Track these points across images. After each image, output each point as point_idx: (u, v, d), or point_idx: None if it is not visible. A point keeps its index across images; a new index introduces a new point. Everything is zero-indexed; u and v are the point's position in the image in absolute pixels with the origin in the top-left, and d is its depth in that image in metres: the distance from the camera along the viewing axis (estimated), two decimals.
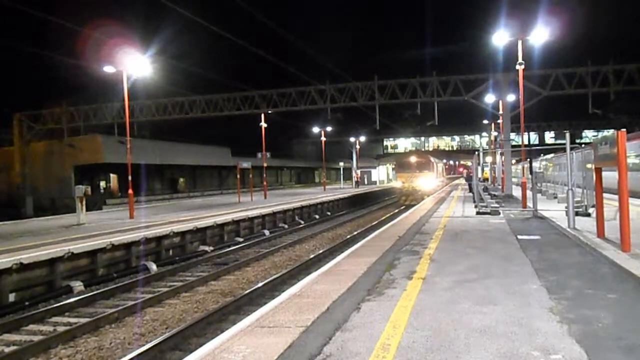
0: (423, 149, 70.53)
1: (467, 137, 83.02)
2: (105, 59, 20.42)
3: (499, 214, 15.05)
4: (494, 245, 9.21)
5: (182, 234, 15.17)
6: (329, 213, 27.82)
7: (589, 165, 12.90)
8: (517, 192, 23.09)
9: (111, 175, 45.13)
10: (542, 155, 35.52)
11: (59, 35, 72.34)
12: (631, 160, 17.53)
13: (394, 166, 44.89)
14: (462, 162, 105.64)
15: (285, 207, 23.44)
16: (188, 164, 49.90)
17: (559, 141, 64.63)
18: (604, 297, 5.40)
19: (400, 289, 6.04)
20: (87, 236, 13.25)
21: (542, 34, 19.15)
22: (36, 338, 7.67)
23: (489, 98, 31.17)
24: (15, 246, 11.74)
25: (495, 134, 40.78)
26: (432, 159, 37.24)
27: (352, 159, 55.53)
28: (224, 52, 77.55)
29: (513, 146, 34.51)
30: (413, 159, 35.00)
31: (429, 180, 33.85)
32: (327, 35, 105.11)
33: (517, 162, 33.30)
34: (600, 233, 9.03)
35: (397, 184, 34.87)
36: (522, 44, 19.45)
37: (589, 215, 12.33)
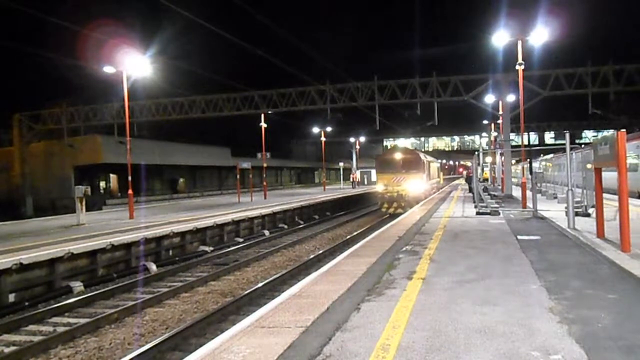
0: (423, 150, 70.01)
1: (467, 138, 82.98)
2: (105, 59, 20.46)
3: (499, 214, 15.05)
4: (494, 245, 9.21)
5: (182, 234, 15.17)
6: (328, 213, 27.82)
7: (588, 166, 12.91)
8: (517, 192, 23.10)
9: (111, 175, 45.20)
10: (542, 155, 35.55)
11: (58, 35, 72.40)
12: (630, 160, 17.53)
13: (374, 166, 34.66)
14: (462, 163, 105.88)
15: (285, 207, 23.44)
16: (188, 164, 49.94)
17: (559, 141, 64.64)
18: (603, 297, 5.40)
19: (400, 289, 6.04)
20: (86, 236, 13.25)
21: (541, 34, 19.15)
22: (36, 338, 7.67)
23: (489, 98, 31.18)
24: (15, 246, 11.74)
25: (495, 134, 40.80)
26: (422, 155, 29.90)
27: (352, 159, 55.56)
28: (224, 52, 77.68)
29: (513, 146, 34.55)
30: (398, 155, 27.02)
31: (418, 183, 26.46)
32: (327, 35, 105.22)
33: (517, 162, 33.33)
34: (600, 233, 9.03)
35: (378, 187, 27.07)
36: (522, 45, 19.45)
37: (588, 215, 12.33)
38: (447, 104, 31.18)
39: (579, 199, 13.79)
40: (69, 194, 31.64)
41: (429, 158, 34.79)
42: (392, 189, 25.91)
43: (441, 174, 47.77)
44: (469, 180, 32.89)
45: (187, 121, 37.21)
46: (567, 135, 12.09)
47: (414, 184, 26.09)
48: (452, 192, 32.87)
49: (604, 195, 9.38)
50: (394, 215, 22.12)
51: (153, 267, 12.73)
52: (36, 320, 8.67)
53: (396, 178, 26.01)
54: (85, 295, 10.05)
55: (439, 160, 49.00)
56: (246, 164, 29.70)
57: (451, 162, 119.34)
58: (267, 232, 19.52)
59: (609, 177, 9.69)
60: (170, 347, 7.08)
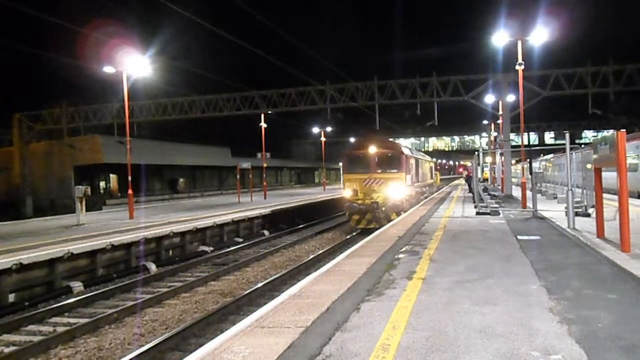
0: (423, 150, 69.78)
1: (467, 138, 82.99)
2: (105, 59, 20.45)
3: (499, 214, 15.05)
4: (494, 245, 9.20)
5: (182, 234, 15.17)
6: (328, 213, 27.78)
7: (588, 166, 12.91)
8: (517, 192, 23.08)
9: (111, 175, 45.18)
10: (541, 155, 35.54)
11: (59, 35, 72.30)
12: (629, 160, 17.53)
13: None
14: (462, 163, 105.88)
15: (285, 207, 23.43)
16: (188, 164, 49.94)
17: (558, 141, 64.66)
18: (603, 297, 5.40)
19: (400, 289, 6.04)
20: (86, 236, 13.25)
21: (541, 34, 19.16)
22: (36, 338, 7.67)
23: (489, 98, 31.21)
24: (15, 246, 11.74)
25: (495, 134, 40.80)
26: (406, 149, 22.08)
27: None
28: (224, 52, 77.76)
29: (513, 146, 34.56)
30: (372, 149, 19.50)
31: (398, 188, 19.26)
32: (326, 35, 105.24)
33: (517, 162, 33.34)
34: (600, 233, 9.03)
35: (345, 193, 19.80)
36: (522, 45, 19.46)
37: (588, 215, 12.33)
38: (447, 104, 31.21)
39: (579, 199, 13.79)
40: (69, 194, 31.62)
41: (418, 154, 28.19)
42: (363, 196, 19.11)
43: (437, 174, 40.20)
44: (468, 180, 32.83)
45: (187, 121, 37.26)
46: (567, 135, 12.10)
47: (393, 189, 19.18)
48: (451, 192, 32.87)
49: (604, 195, 9.38)
50: (365, 231, 17.16)
51: (153, 267, 12.73)
52: (36, 320, 8.66)
53: (369, 180, 19.28)
54: (85, 296, 10.05)
55: (433, 159, 40.95)
56: (246, 164, 29.69)
57: (451, 162, 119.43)
58: (267, 232, 19.51)
59: (609, 177, 9.69)
60: (170, 347, 7.08)
